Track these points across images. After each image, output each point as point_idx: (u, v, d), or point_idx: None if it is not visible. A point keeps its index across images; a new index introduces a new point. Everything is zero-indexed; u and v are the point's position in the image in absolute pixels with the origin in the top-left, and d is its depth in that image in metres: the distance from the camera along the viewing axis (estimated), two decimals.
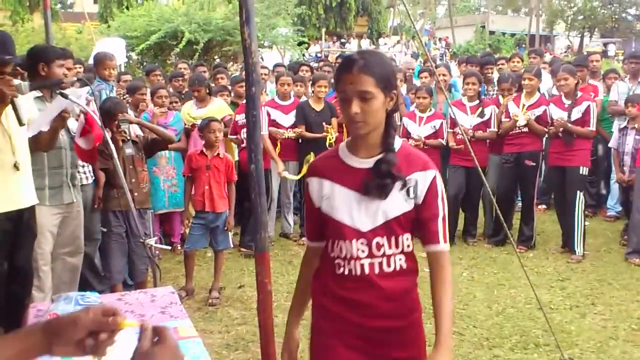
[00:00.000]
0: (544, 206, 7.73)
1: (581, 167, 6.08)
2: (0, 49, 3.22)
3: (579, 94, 6.20)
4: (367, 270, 2.00)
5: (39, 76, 3.89)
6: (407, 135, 6.55)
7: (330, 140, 6.59)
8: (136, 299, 2.77)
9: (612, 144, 6.81)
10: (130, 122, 4.68)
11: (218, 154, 5.20)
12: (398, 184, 1.95)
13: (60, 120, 3.60)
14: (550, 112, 6.22)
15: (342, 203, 2.01)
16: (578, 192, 6.06)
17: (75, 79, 5.17)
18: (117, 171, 3.76)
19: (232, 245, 5.56)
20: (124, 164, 4.45)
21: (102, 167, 4.55)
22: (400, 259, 2.02)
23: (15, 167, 3.46)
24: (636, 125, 6.43)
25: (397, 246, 2.00)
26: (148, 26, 13.48)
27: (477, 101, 6.60)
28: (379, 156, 1.97)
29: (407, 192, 1.96)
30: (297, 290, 2.30)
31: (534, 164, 6.34)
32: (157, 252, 4.66)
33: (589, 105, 6.06)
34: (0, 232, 3.45)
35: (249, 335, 4.30)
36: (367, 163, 1.99)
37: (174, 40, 13.36)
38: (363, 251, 2.00)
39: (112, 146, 3.84)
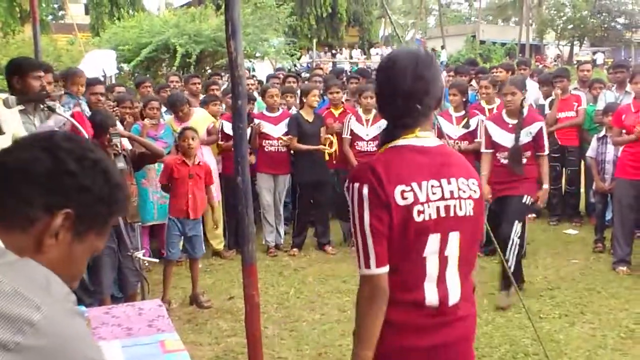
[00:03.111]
0: (534, 215, 7.76)
1: (525, 196, 5.31)
2: None
3: (525, 111, 5.36)
4: None
5: (15, 90, 3.82)
6: None
7: (329, 151, 6.61)
8: (123, 312, 2.77)
9: (590, 153, 6.81)
10: (122, 136, 4.68)
11: (199, 162, 5.34)
12: None
13: None
14: (490, 133, 5.50)
15: None
16: (516, 222, 5.22)
17: (62, 92, 5.17)
18: None
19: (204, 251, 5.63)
20: None
21: None
22: None
23: None
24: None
25: None
26: (139, 38, 13.53)
27: (463, 112, 6.62)
28: None
29: None
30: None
31: None
32: (146, 264, 4.66)
33: (541, 127, 5.35)
34: None
35: (239, 347, 4.29)
36: None
37: (165, 52, 13.40)
38: None
39: None
